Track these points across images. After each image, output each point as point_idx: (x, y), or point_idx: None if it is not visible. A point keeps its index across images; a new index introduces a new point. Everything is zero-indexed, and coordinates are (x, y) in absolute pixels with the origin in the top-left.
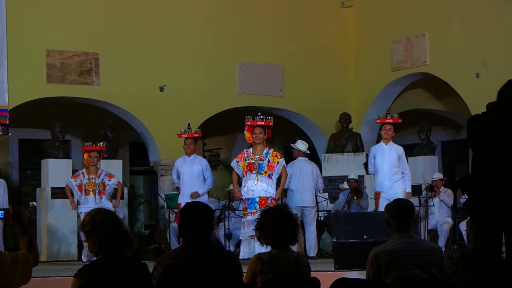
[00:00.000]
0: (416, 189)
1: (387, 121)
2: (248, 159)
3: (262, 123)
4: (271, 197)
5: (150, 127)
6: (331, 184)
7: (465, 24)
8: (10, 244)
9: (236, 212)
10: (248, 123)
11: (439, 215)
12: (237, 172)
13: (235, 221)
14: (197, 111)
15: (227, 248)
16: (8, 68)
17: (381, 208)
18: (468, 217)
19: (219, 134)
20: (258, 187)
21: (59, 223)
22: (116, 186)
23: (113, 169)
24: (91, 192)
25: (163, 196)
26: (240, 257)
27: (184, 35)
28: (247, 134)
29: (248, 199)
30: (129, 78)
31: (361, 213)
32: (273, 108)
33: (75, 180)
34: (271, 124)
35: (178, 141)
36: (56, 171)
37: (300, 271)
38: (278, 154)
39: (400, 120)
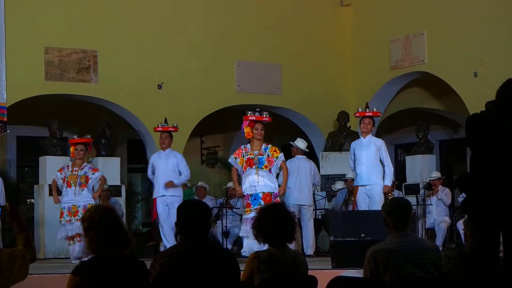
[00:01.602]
0: (414, 188)
1: (366, 114)
2: (247, 155)
3: (267, 119)
4: (274, 192)
5: (148, 124)
6: (329, 183)
7: (464, 23)
8: (8, 241)
9: (234, 210)
10: (253, 118)
11: (436, 214)
12: (236, 168)
13: (233, 219)
14: (195, 109)
15: (225, 246)
16: (7, 65)
17: (359, 203)
18: (466, 216)
19: (217, 132)
20: (260, 182)
21: (57, 220)
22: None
23: (111, 167)
24: (72, 184)
25: None
26: (243, 254)
27: (182, 33)
28: (247, 129)
29: (251, 195)
30: (127, 76)
31: (358, 212)
32: (271, 106)
33: (60, 174)
34: (270, 120)
35: (176, 139)
36: (53, 168)
37: (297, 270)
38: (277, 149)
39: (379, 114)
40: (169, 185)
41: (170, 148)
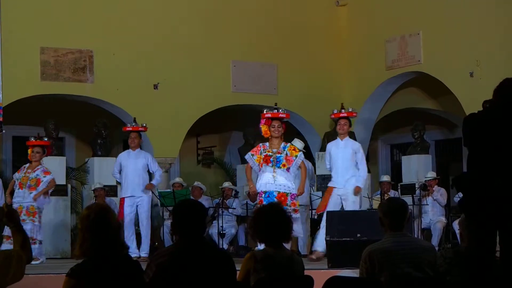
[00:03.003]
0: (409, 188)
1: (341, 115)
2: (265, 152)
3: (283, 115)
4: (291, 193)
5: None
6: (325, 183)
7: (459, 23)
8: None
9: (230, 210)
10: (269, 115)
11: (432, 214)
12: (252, 165)
13: (229, 219)
14: (191, 109)
15: (221, 246)
16: (2, 65)
17: (330, 204)
18: (462, 216)
19: (213, 132)
20: (277, 181)
21: (53, 220)
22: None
23: (107, 167)
24: (24, 186)
25: (157, 194)
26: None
27: (178, 33)
28: (264, 127)
29: (265, 192)
30: (123, 76)
31: (354, 212)
32: (267, 106)
33: (18, 174)
34: (289, 117)
35: (172, 139)
36: (49, 168)
37: (293, 269)
38: (296, 148)
39: (355, 114)
40: (149, 187)
41: (139, 148)
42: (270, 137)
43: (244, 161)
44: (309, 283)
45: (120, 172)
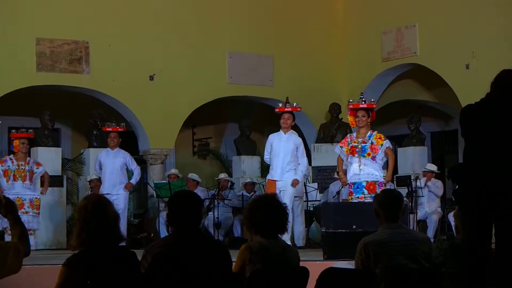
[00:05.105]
0: (405, 180)
1: (286, 109)
2: (351, 143)
3: (364, 105)
4: (378, 181)
5: (140, 116)
6: (321, 174)
7: (455, 15)
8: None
9: (226, 201)
10: (350, 106)
11: (428, 205)
12: (342, 157)
13: (224, 210)
14: (187, 100)
15: (216, 238)
16: None
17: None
18: (456, 208)
19: (208, 124)
20: (363, 171)
21: (49, 211)
22: (42, 174)
23: None
24: (20, 179)
25: (153, 185)
26: None
27: (174, 24)
28: (350, 118)
29: (353, 183)
30: (119, 67)
31: (350, 203)
32: (263, 97)
33: (1, 166)
34: (374, 106)
35: (167, 131)
36: (45, 159)
37: (289, 261)
38: (382, 136)
39: (299, 109)
40: (128, 186)
41: (118, 147)
42: (357, 127)
43: (239, 153)
44: (304, 274)
45: (100, 168)
